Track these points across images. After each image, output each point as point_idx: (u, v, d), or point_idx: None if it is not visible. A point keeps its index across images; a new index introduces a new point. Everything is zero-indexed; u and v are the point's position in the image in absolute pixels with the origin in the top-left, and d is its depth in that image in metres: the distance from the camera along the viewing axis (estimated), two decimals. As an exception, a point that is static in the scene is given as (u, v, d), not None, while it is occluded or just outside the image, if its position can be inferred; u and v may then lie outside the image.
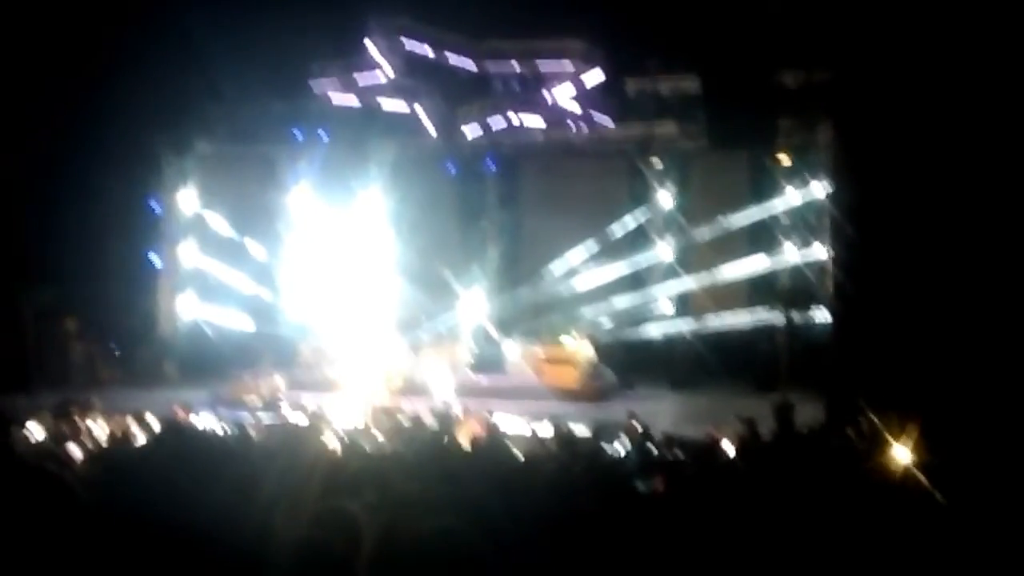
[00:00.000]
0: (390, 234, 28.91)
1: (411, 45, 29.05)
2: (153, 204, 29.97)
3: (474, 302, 28.17)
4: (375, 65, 29.06)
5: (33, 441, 16.24)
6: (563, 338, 27.00)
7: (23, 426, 17.11)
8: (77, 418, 18.70)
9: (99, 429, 18.19)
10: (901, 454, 10.55)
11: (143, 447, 15.81)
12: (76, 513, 8.70)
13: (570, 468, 11.90)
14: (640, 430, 17.14)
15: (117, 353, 29.11)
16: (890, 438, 10.96)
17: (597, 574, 6.12)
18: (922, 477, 9.60)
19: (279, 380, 26.12)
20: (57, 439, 16.14)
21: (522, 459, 14.09)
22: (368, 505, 7.96)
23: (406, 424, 20.02)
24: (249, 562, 6.17)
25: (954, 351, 17.33)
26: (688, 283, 27.82)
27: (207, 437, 17.24)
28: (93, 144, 26.58)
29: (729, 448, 14.99)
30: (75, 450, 14.10)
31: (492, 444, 16.62)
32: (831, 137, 23.74)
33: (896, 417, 11.87)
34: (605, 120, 29.35)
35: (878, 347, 18.24)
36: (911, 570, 6.42)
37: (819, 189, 25.89)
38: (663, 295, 28.33)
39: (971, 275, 17.71)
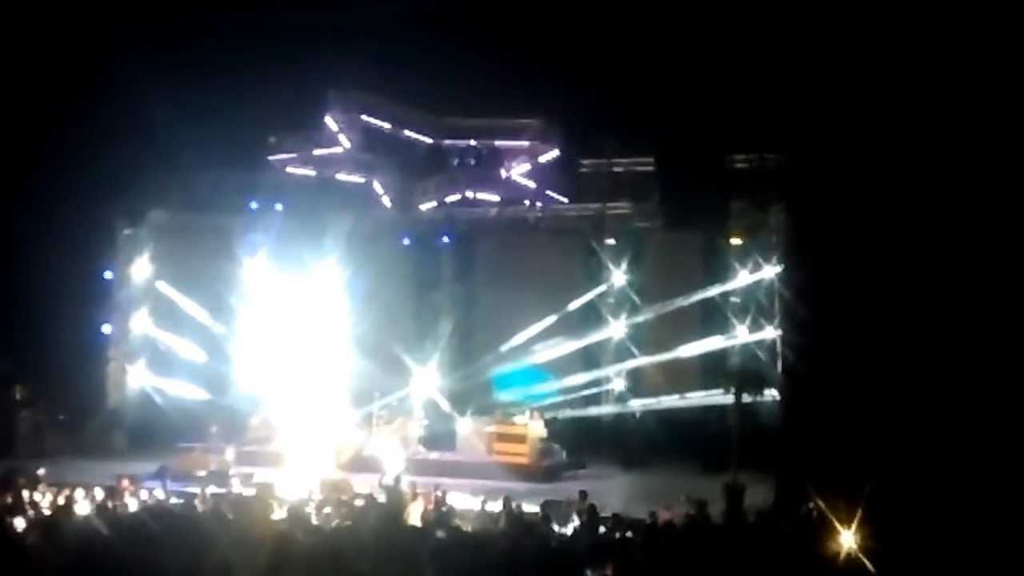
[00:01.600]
0: (344, 306, 28.84)
1: (369, 119, 29.19)
2: (106, 273, 29.76)
3: (426, 376, 28.10)
4: (333, 137, 29.17)
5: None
6: (515, 415, 26.97)
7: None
8: (22, 488, 18.48)
9: (44, 499, 18.00)
10: (848, 538, 10.64)
11: (87, 519, 15.65)
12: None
13: (520, 547, 11.88)
14: (589, 510, 17.12)
15: (65, 423, 28.77)
16: (837, 522, 11.04)
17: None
18: (868, 562, 9.69)
19: (229, 452, 25.91)
20: (2, 509, 15.95)
21: (472, 536, 14.07)
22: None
23: (356, 499, 19.92)
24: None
25: (903, 433, 17.46)
26: (640, 361, 27.91)
27: (153, 510, 17.10)
28: (46, 212, 26.46)
29: (679, 528, 15.01)
30: (19, 521, 13.94)
31: (442, 520, 16.58)
32: (783, 219, 24.02)
33: (844, 500, 11.95)
34: (561, 198, 29.55)
35: (827, 429, 18.33)
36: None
37: (770, 270, 26.11)
38: (615, 373, 28.39)
39: (922, 356, 17.89)
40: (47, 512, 16.35)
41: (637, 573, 9.14)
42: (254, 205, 30.00)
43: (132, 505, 17.89)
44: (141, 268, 30.05)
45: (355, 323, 28.47)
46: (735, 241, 27.58)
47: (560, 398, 28.21)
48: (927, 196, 18.53)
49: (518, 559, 10.08)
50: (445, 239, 31.01)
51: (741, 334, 26.84)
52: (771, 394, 22.81)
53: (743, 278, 26.99)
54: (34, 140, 26.29)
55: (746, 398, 21.95)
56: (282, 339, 28.32)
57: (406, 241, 30.86)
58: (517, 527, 15.39)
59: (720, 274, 27.42)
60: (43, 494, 18.52)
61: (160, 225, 30.38)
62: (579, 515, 17.08)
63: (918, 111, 18.74)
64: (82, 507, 17.00)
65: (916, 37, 18.64)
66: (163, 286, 29.78)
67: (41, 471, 20.66)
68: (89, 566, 10.29)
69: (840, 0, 19.35)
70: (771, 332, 25.87)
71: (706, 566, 9.15)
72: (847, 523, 10.98)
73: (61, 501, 17.48)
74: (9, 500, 17.36)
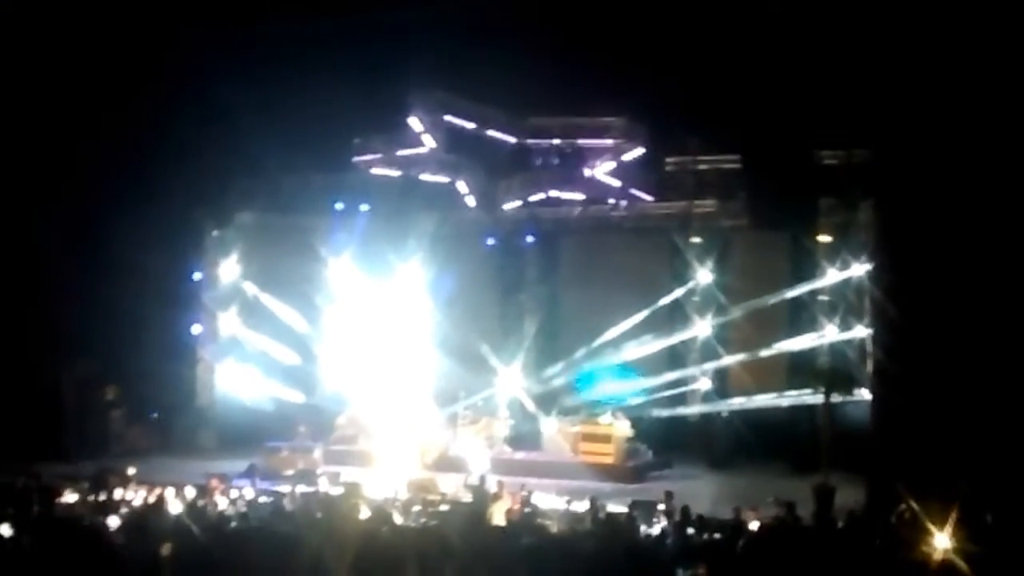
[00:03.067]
0: (429, 306, 28.96)
1: (453, 119, 29.22)
2: (195, 274, 30.13)
3: (511, 376, 28.09)
4: (417, 138, 29.24)
5: (73, 509, 16.31)
6: (600, 415, 26.86)
7: (63, 494, 17.22)
8: (114, 487, 18.76)
9: (136, 498, 18.24)
10: (942, 540, 10.41)
11: (179, 517, 15.82)
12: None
13: (608, 548, 11.80)
14: (678, 510, 16.96)
15: (156, 422, 29.19)
16: (931, 524, 10.81)
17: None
18: (963, 565, 9.47)
19: (316, 452, 26.12)
20: (95, 508, 16.19)
21: (559, 536, 14.01)
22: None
23: (442, 498, 19.98)
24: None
25: (998, 433, 17.14)
26: (727, 361, 27.65)
27: (242, 509, 17.27)
28: (136, 215, 26.87)
29: (769, 530, 14.81)
30: (112, 520, 14.11)
31: (527, 521, 16.54)
32: (872, 216, 23.67)
33: (938, 502, 11.72)
34: (645, 196, 29.35)
35: (919, 429, 18.05)
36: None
37: (860, 268, 25.75)
38: (701, 372, 28.17)
39: (1016, 355, 17.56)
40: (139, 510, 16.56)
41: (729, 574, 9.00)
42: (339, 206, 30.17)
43: (222, 504, 18.07)
44: (229, 269, 30.39)
45: (439, 323, 28.57)
46: (823, 239, 27.21)
47: (646, 398, 28.06)
48: (1021, 192, 18.19)
49: (606, 560, 10.01)
50: (529, 239, 30.99)
51: (830, 333, 26.47)
52: (861, 394, 22.48)
53: (832, 276, 26.63)
54: (124, 144, 26.66)
55: (836, 398, 21.65)
56: (368, 339, 28.50)
57: (490, 241, 30.89)
58: (604, 528, 15.30)
59: (808, 272, 27.08)
60: (135, 493, 18.78)
61: (247, 227, 30.70)
62: (666, 516, 16.95)
63: (1011, 106, 18.39)
64: (173, 506, 17.20)
65: (1010, 30, 18.31)
66: (250, 287, 30.07)
67: (132, 470, 20.96)
68: (180, 564, 10.40)
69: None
70: (861, 331, 25.53)
71: (797, 569, 9.00)
72: (941, 525, 10.75)
73: (152, 500, 17.70)
74: (102, 499, 17.64)
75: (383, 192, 29.88)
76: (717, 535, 14.66)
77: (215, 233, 30.63)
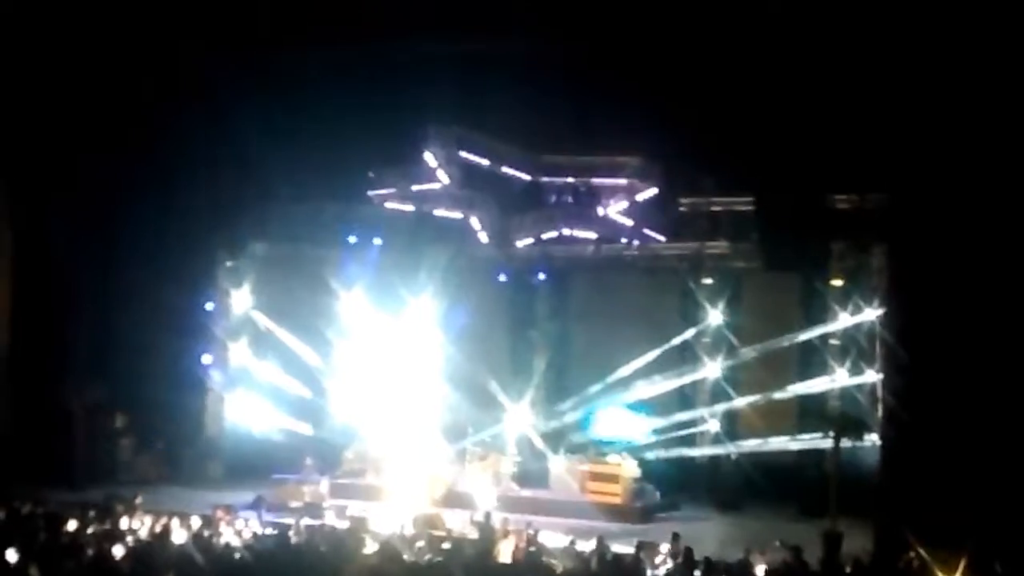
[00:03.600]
0: (439, 341, 28.96)
1: (468, 155, 29.32)
2: (207, 304, 30.15)
3: (520, 413, 28.06)
4: (431, 173, 29.34)
5: (78, 537, 16.27)
6: (608, 454, 26.80)
7: (69, 522, 17.20)
8: (120, 515, 18.74)
9: (142, 527, 18.22)
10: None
11: (184, 547, 15.81)
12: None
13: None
14: (685, 552, 16.90)
15: (163, 451, 29.17)
16: (939, 572, 10.76)
17: None
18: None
19: (323, 485, 26.09)
20: (101, 536, 16.17)
21: (563, 574, 13.96)
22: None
23: (448, 534, 19.93)
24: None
25: (1009, 482, 17.07)
26: (737, 403, 27.59)
27: (248, 540, 17.25)
28: (150, 243, 27.01)
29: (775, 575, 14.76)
30: (117, 548, 14.10)
31: (533, 559, 16.49)
32: (884, 261, 23.67)
33: (947, 550, 11.67)
34: (658, 236, 29.37)
35: (929, 476, 17.99)
36: None
37: (871, 312, 25.70)
38: (710, 414, 28.10)
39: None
40: (144, 539, 16.53)
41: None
42: (352, 239, 30.23)
43: (227, 535, 18.04)
44: (241, 299, 30.40)
45: (450, 358, 28.56)
46: (835, 282, 27.18)
47: (654, 438, 27.99)
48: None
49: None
50: (541, 276, 31.01)
51: (840, 377, 26.39)
52: (871, 439, 22.39)
53: (843, 320, 26.56)
54: (140, 172, 26.84)
55: (845, 443, 21.57)
56: (377, 372, 28.51)
57: (502, 277, 30.90)
58: (611, 568, 15.25)
59: (819, 316, 27.00)
60: (141, 521, 18.76)
61: (260, 257, 30.74)
62: (672, 557, 16.89)
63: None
64: (178, 535, 17.18)
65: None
66: (261, 317, 30.08)
67: (139, 499, 20.94)
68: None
69: (941, 43, 19.06)
70: (872, 376, 25.43)
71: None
72: (950, 573, 10.70)
73: (158, 529, 17.68)
74: (107, 527, 17.62)
75: (396, 226, 29.98)
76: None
77: (228, 263, 30.64)
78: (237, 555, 14.95)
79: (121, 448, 28.62)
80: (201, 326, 29.89)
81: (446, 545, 17.69)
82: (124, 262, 27.29)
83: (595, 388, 28.32)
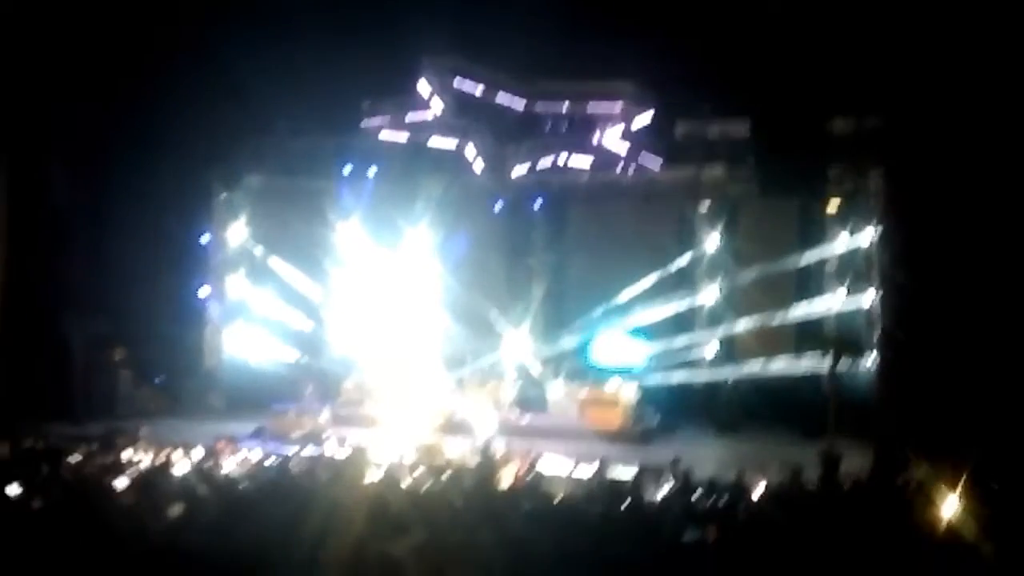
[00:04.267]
0: (436, 270, 28.97)
1: (462, 84, 29.15)
2: (203, 236, 30.08)
3: (518, 341, 28.12)
4: (425, 102, 29.18)
5: (80, 470, 16.34)
6: (607, 379, 26.91)
7: (71, 455, 17.26)
8: (123, 448, 18.83)
9: (144, 459, 18.29)
10: (949, 508, 10.42)
11: (186, 478, 15.88)
12: (121, 541, 8.76)
13: (615, 512, 11.83)
14: (683, 475, 17.00)
15: (164, 384, 29.23)
16: (938, 491, 10.82)
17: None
18: (970, 533, 9.48)
19: (324, 415, 26.19)
20: (103, 469, 16.23)
21: (566, 501, 14.04)
22: (413, 545, 7.96)
23: (449, 462, 20.02)
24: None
25: (1007, 399, 17.13)
26: (734, 327, 27.64)
27: (250, 470, 17.34)
28: (146, 177, 26.87)
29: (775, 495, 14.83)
30: (121, 480, 14.16)
31: (534, 485, 16.58)
32: (881, 183, 23.61)
33: (945, 467, 11.72)
34: (654, 162, 29.28)
35: (927, 394, 18.05)
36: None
37: (868, 235, 25.68)
38: (708, 339, 28.17)
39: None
40: (147, 472, 16.62)
41: (737, 539, 9.01)
42: (347, 170, 30.10)
43: (229, 466, 18.14)
44: (237, 232, 30.33)
45: (447, 287, 28.58)
46: (832, 206, 27.15)
47: (653, 363, 28.09)
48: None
49: (613, 524, 10.04)
50: (537, 204, 30.96)
51: (838, 300, 26.46)
52: (869, 360, 22.46)
53: (840, 243, 26.59)
54: (135, 103, 26.66)
55: (843, 364, 21.63)
56: (375, 303, 28.53)
57: (498, 206, 30.84)
58: (611, 492, 15.34)
59: (816, 239, 27.03)
60: (142, 454, 18.84)
61: (256, 189, 30.63)
62: (673, 480, 16.98)
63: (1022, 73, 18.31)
64: (181, 467, 17.27)
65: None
66: (259, 250, 30.04)
67: (141, 431, 21.05)
68: (189, 525, 10.45)
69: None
70: (869, 298, 25.47)
71: (803, 532, 9.02)
72: (948, 492, 10.76)
73: (160, 461, 17.76)
74: (110, 460, 17.70)
75: (391, 156, 29.84)
76: (724, 499, 14.69)
77: (224, 195, 30.53)
78: (241, 486, 15.03)
79: (121, 381, 28.65)
80: (199, 259, 29.86)
81: (447, 473, 17.80)
82: (120, 196, 27.17)
83: (593, 315, 28.36)
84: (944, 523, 10.15)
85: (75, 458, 17.31)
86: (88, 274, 27.53)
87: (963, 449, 13.08)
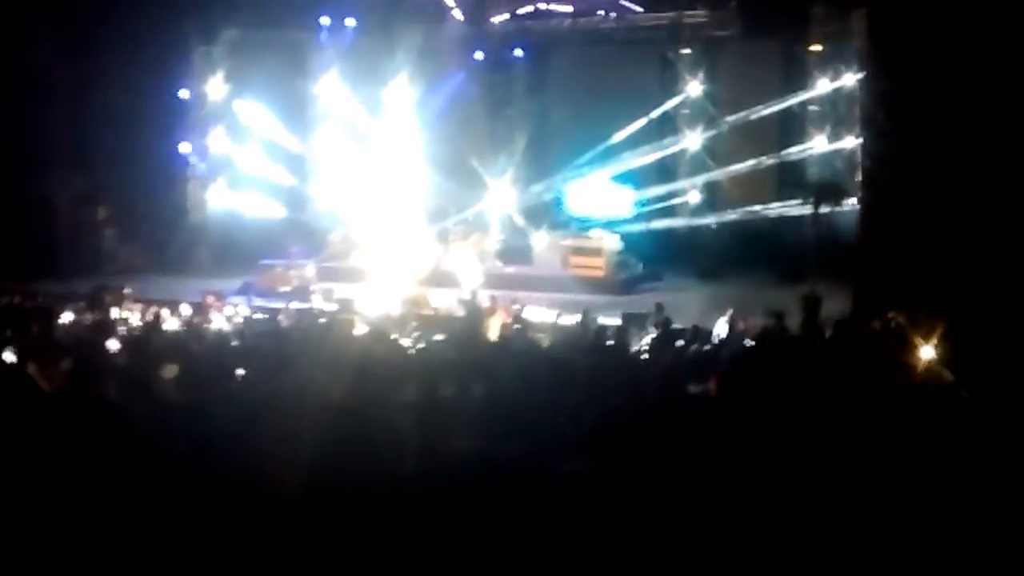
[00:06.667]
0: (417, 122, 28.83)
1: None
2: (181, 91, 29.71)
3: (501, 191, 28.12)
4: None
5: (71, 329, 16.50)
6: (589, 228, 27.03)
7: (59, 313, 17.38)
8: (110, 306, 18.96)
9: (132, 317, 18.46)
10: (928, 350, 10.62)
11: (177, 334, 16.06)
12: (116, 397, 8.91)
13: (603, 360, 12.03)
14: (664, 322, 17.27)
15: (148, 241, 29.18)
16: (917, 334, 11.01)
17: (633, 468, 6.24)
18: (948, 373, 9.69)
19: (310, 268, 26.29)
20: (93, 328, 16.39)
21: (553, 349, 14.27)
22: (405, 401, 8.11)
23: (435, 312, 20.25)
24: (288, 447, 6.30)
25: (986, 245, 17.27)
26: (717, 174, 27.68)
27: (238, 325, 17.52)
28: (122, 30, 26.43)
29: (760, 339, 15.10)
30: (112, 342, 14.32)
31: (521, 335, 16.83)
32: (865, 24, 23.39)
33: (925, 312, 11.91)
34: (635, 6, 28.93)
35: (907, 240, 18.17)
36: (935, 466, 6.51)
37: (851, 78, 25.57)
38: (691, 185, 28.22)
39: (1007, 166, 17.57)
40: (136, 329, 16.78)
41: (738, 387, 9.14)
42: (325, 20, 29.65)
43: (218, 321, 18.33)
44: (216, 86, 29.96)
45: (429, 139, 28.48)
46: (815, 48, 26.97)
47: (635, 211, 28.18)
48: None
49: (601, 371, 10.22)
50: (518, 52, 30.67)
51: (820, 144, 26.47)
52: (850, 204, 22.57)
53: (822, 87, 26.49)
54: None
55: (824, 209, 21.73)
56: (358, 155, 28.43)
57: (479, 55, 30.54)
58: (596, 339, 15.58)
59: (799, 83, 26.92)
60: (130, 311, 19.00)
61: (234, 43, 30.12)
62: (656, 327, 17.24)
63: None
64: (170, 324, 17.45)
65: None
66: (239, 104, 29.73)
67: (127, 289, 21.14)
68: (183, 382, 10.61)
69: None
70: (851, 142, 25.47)
71: (786, 377, 9.19)
72: (927, 335, 10.96)
73: (149, 318, 17.91)
74: (98, 317, 17.86)
75: (370, 5, 29.38)
76: (707, 345, 14.97)
77: (202, 49, 30.07)
78: (234, 342, 15.21)
79: (106, 238, 28.65)
80: (178, 115, 29.56)
81: (435, 324, 18.02)
82: (97, 51, 26.76)
83: (576, 163, 28.33)
84: (921, 365, 10.36)
85: (65, 317, 17.45)
86: (68, 130, 27.29)
87: (942, 293, 13.29)
